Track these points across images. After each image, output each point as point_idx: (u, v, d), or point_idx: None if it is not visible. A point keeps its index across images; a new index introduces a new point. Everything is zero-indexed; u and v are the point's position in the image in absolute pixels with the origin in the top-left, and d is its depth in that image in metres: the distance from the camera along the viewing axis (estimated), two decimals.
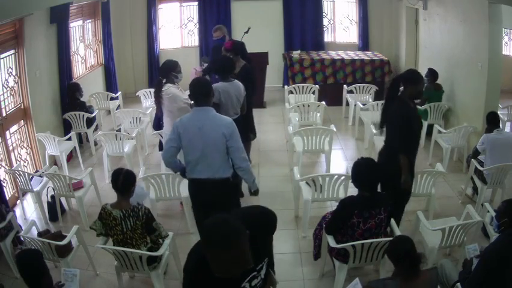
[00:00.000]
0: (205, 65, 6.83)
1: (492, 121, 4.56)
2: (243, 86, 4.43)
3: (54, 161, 5.69)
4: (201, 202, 3.36)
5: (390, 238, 3.09)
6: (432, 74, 6.18)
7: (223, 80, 4.31)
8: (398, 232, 3.21)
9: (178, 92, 4.31)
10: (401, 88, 3.66)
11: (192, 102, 4.55)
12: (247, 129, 4.81)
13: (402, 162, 3.47)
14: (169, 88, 4.25)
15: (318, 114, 6.25)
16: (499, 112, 4.98)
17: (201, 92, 3.20)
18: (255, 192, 3.44)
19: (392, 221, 3.30)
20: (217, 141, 3.13)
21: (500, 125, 4.76)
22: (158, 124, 4.98)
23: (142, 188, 3.83)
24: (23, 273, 2.66)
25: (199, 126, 3.13)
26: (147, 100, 7.10)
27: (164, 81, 4.28)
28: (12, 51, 5.08)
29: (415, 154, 3.69)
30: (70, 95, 6.08)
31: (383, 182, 3.45)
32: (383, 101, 6.18)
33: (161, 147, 4.93)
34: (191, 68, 7.43)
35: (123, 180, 3.11)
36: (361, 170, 3.08)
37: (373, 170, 3.05)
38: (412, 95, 3.56)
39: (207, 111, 3.18)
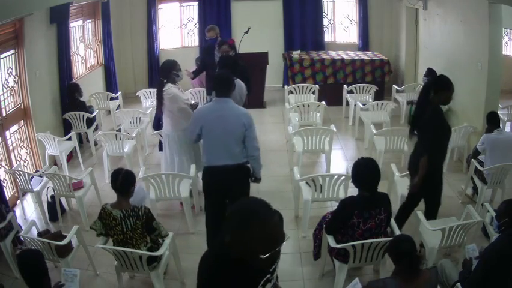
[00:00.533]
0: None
1: (492, 121, 4.56)
2: (244, 84, 4.46)
3: (54, 161, 5.69)
4: (217, 189, 3.50)
5: (390, 238, 3.09)
6: (432, 73, 6.17)
7: None
8: (398, 232, 3.21)
9: (179, 92, 4.32)
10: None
11: (193, 102, 4.60)
12: None
13: (423, 165, 3.51)
14: (170, 88, 4.26)
15: (318, 114, 6.25)
16: (499, 112, 4.98)
17: (222, 85, 3.44)
18: (257, 180, 3.66)
19: (392, 221, 3.30)
20: (237, 130, 3.37)
21: (500, 125, 4.76)
22: (158, 124, 4.99)
23: (142, 189, 3.83)
24: (24, 273, 2.66)
25: (219, 115, 3.37)
26: (147, 100, 7.11)
27: (165, 81, 4.30)
28: (12, 51, 5.08)
29: (443, 161, 3.79)
30: (69, 95, 6.08)
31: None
32: (383, 101, 6.26)
33: (161, 147, 4.94)
34: (190, 68, 7.43)
35: (122, 180, 3.12)
36: (361, 170, 3.08)
37: (373, 170, 3.05)
38: (442, 100, 3.61)
39: (227, 102, 3.43)
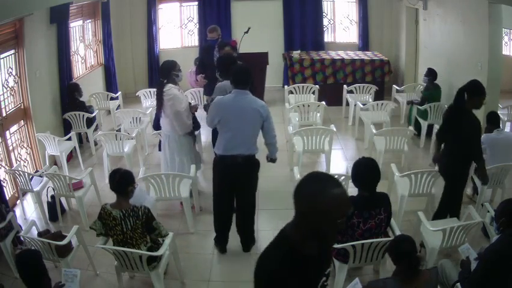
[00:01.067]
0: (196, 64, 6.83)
1: (492, 121, 4.56)
2: None
3: (54, 161, 5.69)
4: (230, 178, 3.68)
5: (390, 238, 3.09)
6: (432, 73, 6.18)
7: (227, 78, 4.30)
8: (398, 232, 3.21)
9: (179, 94, 4.30)
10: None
11: (193, 104, 4.60)
12: None
13: (483, 166, 3.82)
14: (170, 89, 4.22)
15: (318, 114, 6.25)
16: (499, 112, 4.97)
17: (241, 77, 3.58)
18: (274, 160, 3.97)
19: (392, 221, 3.30)
20: (255, 121, 3.57)
21: (500, 125, 4.75)
22: (158, 124, 4.95)
23: (144, 191, 3.82)
24: (23, 274, 2.65)
25: (239, 106, 3.52)
26: (147, 100, 7.10)
27: (165, 81, 4.26)
28: (12, 51, 5.08)
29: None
30: (69, 95, 6.08)
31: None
32: (383, 101, 6.26)
33: (160, 147, 4.93)
34: (190, 68, 7.43)
35: (119, 179, 3.12)
36: (361, 170, 3.07)
37: (373, 170, 3.05)
38: (475, 105, 3.68)
39: (246, 94, 3.58)
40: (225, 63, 4.42)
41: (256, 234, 4.26)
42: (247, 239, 4.01)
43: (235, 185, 3.74)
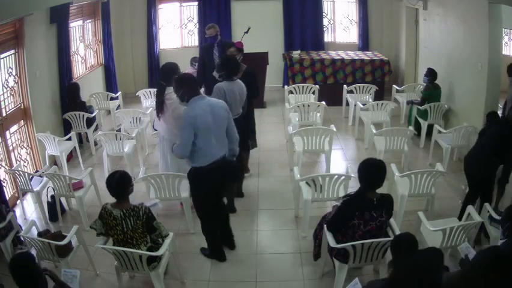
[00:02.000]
0: (196, 64, 6.78)
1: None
2: (244, 85, 4.43)
3: (54, 161, 5.69)
4: (217, 183, 3.59)
5: (390, 238, 3.09)
6: (432, 73, 6.17)
7: (227, 79, 4.29)
8: (398, 232, 3.20)
9: None
10: None
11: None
12: (246, 135, 4.76)
13: None
14: (173, 92, 4.18)
15: (318, 114, 6.25)
16: (499, 112, 4.97)
17: (188, 84, 3.48)
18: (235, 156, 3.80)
19: (392, 221, 3.29)
20: (224, 121, 3.51)
21: None
22: None
23: (157, 204, 3.78)
24: (17, 281, 2.59)
25: (209, 111, 3.39)
26: (147, 100, 7.10)
27: (165, 84, 4.17)
28: (12, 51, 5.08)
29: None
30: (69, 95, 6.08)
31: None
32: (383, 101, 6.26)
33: None
34: (187, 68, 7.44)
35: (116, 185, 3.09)
36: (372, 170, 3.03)
37: (383, 172, 3.03)
38: None
39: (205, 97, 3.50)
40: (226, 65, 4.33)
41: (256, 234, 4.26)
42: (231, 237, 4.03)
43: (222, 190, 3.74)
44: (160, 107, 4.17)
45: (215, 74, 4.43)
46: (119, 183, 3.11)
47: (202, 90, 6.41)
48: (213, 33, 5.93)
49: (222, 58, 4.59)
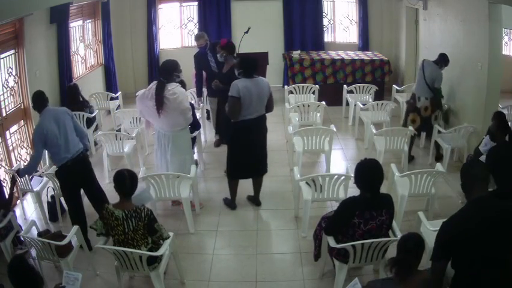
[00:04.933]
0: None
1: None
2: (268, 84, 4.37)
3: None
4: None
5: (390, 238, 3.09)
6: None
7: (245, 76, 4.24)
8: (398, 232, 3.21)
9: (184, 92, 4.28)
10: None
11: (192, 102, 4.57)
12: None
13: None
14: (176, 87, 4.18)
15: (318, 114, 6.25)
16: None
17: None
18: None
19: (394, 222, 3.29)
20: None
21: None
22: None
23: (147, 191, 3.81)
24: (14, 282, 2.57)
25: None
26: None
27: (165, 82, 4.18)
28: (12, 51, 5.09)
29: None
30: (69, 97, 6.06)
31: None
32: (383, 101, 6.25)
33: None
34: (191, 68, 7.42)
35: (130, 184, 3.13)
36: (365, 172, 3.05)
37: (376, 172, 3.03)
38: None
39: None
40: (245, 62, 4.33)
41: (256, 234, 4.26)
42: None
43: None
44: (160, 103, 4.14)
45: (236, 71, 4.39)
46: (133, 178, 3.14)
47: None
48: (203, 43, 5.95)
49: (239, 57, 4.60)
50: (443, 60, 5.50)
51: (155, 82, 4.24)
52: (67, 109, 4.07)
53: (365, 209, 3.02)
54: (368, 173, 3.04)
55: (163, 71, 4.32)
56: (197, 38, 6.02)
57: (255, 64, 4.34)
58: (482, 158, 4.55)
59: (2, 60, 4.91)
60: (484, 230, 2.18)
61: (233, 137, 4.44)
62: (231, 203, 4.71)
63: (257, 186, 4.74)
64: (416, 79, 5.75)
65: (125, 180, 3.11)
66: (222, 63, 5.63)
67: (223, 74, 5.51)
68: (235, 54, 5.62)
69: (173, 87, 4.15)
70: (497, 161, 2.60)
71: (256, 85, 4.24)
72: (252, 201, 4.80)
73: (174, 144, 4.37)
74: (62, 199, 4.70)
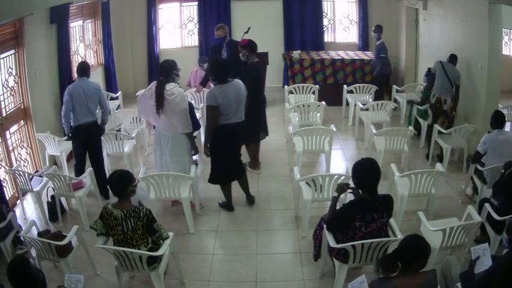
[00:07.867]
0: (205, 65, 6.82)
1: (498, 122, 4.52)
2: (243, 84, 4.37)
3: (54, 161, 5.69)
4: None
5: (390, 238, 3.09)
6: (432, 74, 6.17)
7: (219, 82, 4.22)
8: (398, 232, 3.21)
9: (183, 92, 4.28)
10: None
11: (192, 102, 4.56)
12: (256, 128, 4.94)
13: None
14: (175, 87, 4.18)
15: (318, 114, 6.25)
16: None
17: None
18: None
19: (392, 221, 3.29)
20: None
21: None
22: None
23: (142, 189, 3.82)
24: (14, 284, 2.57)
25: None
26: None
27: (164, 81, 4.20)
28: (12, 51, 5.08)
29: None
30: None
31: None
32: (383, 101, 6.25)
33: None
34: (191, 68, 7.43)
35: (116, 181, 3.12)
36: (362, 171, 3.05)
37: (374, 171, 3.03)
38: None
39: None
40: (215, 67, 4.33)
41: (256, 235, 4.26)
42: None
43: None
44: (160, 102, 4.13)
45: (210, 78, 4.45)
46: (118, 180, 3.13)
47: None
48: (222, 34, 5.94)
49: (209, 63, 4.60)
50: (455, 59, 5.61)
51: (155, 82, 4.25)
52: (99, 87, 4.91)
53: (366, 211, 3.02)
54: (364, 171, 3.04)
55: (162, 70, 4.35)
56: (217, 28, 6.02)
57: (226, 68, 4.30)
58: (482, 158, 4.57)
59: (2, 60, 4.90)
60: None
61: (219, 141, 4.31)
62: (227, 206, 4.70)
63: (245, 185, 4.72)
64: (436, 82, 5.62)
65: (112, 178, 3.13)
66: (238, 61, 5.39)
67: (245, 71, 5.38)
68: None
69: (171, 88, 4.16)
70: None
71: (232, 89, 4.23)
72: (247, 201, 4.79)
73: (173, 145, 4.36)
74: (62, 199, 4.73)
